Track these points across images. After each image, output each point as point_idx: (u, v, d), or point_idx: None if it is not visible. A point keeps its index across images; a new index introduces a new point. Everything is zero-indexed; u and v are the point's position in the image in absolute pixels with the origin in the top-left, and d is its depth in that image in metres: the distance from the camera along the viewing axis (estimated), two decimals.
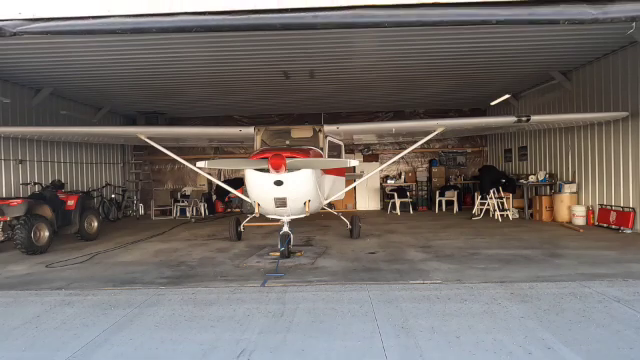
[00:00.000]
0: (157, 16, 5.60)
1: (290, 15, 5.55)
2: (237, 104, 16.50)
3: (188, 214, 16.39)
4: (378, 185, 18.43)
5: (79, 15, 5.62)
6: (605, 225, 11.23)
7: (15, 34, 5.65)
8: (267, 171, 7.49)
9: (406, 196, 16.79)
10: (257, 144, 9.71)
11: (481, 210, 14.41)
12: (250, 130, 9.96)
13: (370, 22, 5.65)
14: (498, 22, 5.62)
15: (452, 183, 18.25)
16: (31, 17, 5.62)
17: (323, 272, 7.40)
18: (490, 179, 14.89)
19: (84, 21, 5.65)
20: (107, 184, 16.61)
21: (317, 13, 5.52)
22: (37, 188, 11.36)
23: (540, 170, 14.21)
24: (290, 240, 8.44)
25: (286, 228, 8.38)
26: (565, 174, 13.28)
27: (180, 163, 10.99)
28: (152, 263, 8.48)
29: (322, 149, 9.43)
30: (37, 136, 12.22)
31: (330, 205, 11.53)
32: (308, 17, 5.54)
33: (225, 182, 11.89)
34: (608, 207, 11.28)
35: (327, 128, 9.90)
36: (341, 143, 11.39)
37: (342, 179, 11.03)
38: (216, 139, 14.29)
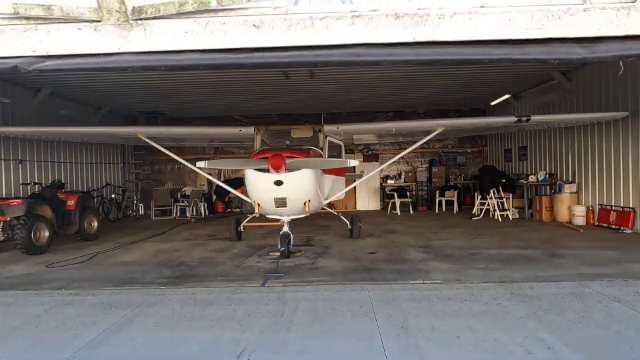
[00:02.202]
0: (165, 53, 5.78)
1: (292, 54, 5.71)
2: (237, 104, 16.48)
3: (188, 214, 16.38)
4: (378, 185, 18.40)
5: (91, 52, 5.77)
6: (605, 225, 11.22)
7: (30, 72, 5.81)
8: (267, 171, 7.49)
9: (406, 196, 16.77)
10: (257, 144, 9.70)
11: (481, 210, 14.40)
12: (250, 130, 9.95)
13: (369, 61, 5.89)
14: (491, 61, 5.88)
15: (452, 183, 18.22)
16: (44, 54, 5.73)
17: (323, 272, 7.40)
18: (490, 179, 14.87)
19: (96, 59, 5.83)
20: (107, 184, 16.57)
21: (318, 52, 5.72)
22: (37, 188, 11.34)
23: (540, 170, 14.19)
24: (290, 240, 8.43)
25: (286, 228, 8.37)
26: (565, 174, 13.27)
27: (180, 163, 10.98)
28: (152, 263, 8.49)
29: (322, 149, 9.42)
30: (37, 136, 12.20)
31: (330, 205, 11.52)
32: (309, 56, 5.73)
33: (225, 182, 11.88)
34: (608, 207, 11.28)
35: (327, 128, 9.89)
36: (341, 143, 11.37)
37: (342, 179, 11.02)
38: (216, 139, 14.28)
